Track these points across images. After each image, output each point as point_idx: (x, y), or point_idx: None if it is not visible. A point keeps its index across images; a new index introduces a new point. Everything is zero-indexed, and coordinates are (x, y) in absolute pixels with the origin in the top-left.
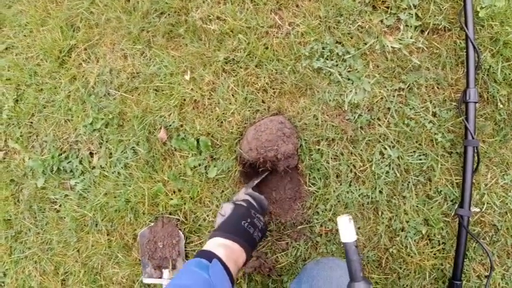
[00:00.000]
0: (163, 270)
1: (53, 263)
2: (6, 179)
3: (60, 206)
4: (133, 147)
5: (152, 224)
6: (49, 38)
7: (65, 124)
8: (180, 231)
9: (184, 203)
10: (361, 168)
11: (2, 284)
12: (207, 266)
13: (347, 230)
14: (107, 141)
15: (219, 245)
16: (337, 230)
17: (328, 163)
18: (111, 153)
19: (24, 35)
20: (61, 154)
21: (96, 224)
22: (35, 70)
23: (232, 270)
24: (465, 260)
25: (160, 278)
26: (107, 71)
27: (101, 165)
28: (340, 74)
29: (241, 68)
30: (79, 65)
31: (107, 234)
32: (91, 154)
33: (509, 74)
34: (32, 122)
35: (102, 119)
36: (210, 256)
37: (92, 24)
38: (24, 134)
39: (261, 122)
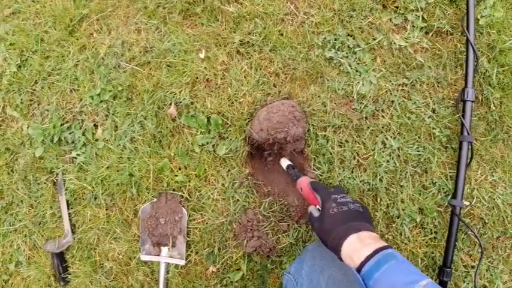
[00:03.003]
0: (162, 247)
1: (44, 237)
2: (2, 147)
3: (57, 177)
4: (141, 121)
5: (155, 199)
6: (60, 5)
7: (70, 94)
8: (183, 208)
9: (190, 180)
10: (364, 156)
11: None
12: None
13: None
14: (113, 114)
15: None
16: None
17: (333, 149)
18: (116, 126)
19: (33, 1)
20: (63, 124)
21: (96, 198)
22: (42, 37)
23: None
24: (455, 249)
25: (159, 255)
26: (118, 43)
27: (105, 138)
28: (349, 65)
29: (255, 51)
30: (90, 35)
31: (106, 209)
32: (95, 126)
33: (503, 78)
34: (34, 90)
35: (111, 90)
36: None
37: None
38: (25, 102)
39: (273, 104)
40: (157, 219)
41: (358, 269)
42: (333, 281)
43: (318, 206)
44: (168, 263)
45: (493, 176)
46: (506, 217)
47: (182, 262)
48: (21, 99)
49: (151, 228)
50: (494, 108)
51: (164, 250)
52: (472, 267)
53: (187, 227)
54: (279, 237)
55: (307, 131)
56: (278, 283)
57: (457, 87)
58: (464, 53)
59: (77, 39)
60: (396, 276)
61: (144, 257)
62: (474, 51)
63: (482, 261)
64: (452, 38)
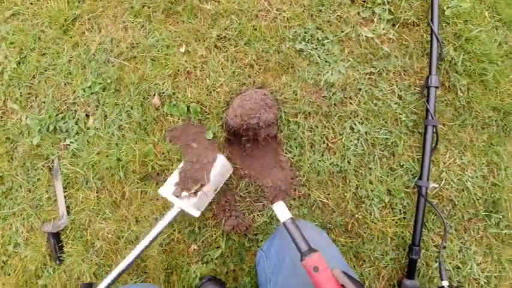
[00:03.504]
0: (183, 191)
1: (41, 219)
2: (2, 136)
3: (53, 163)
4: (127, 110)
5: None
6: (55, 6)
7: (64, 87)
8: (223, 157)
9: (172, 164)
10: (332, 140)
11: None
12: None
13: (282, 211)
14: (103, 104)
15: None
16: (309, 194)
17: (304, 134)
18: (106, 116)
19: (31, 3)
20: (58, 114)
21: (87, 182)
22: (39, 36)
23: None
24: (424, 230)
25: (178, 197)
26: (108, 40)
27: (95, 127)
28: (319, 56)
29: (231, 45)
30: (82, 33)
31: (96, 192)
32: (87, 116)
33: (469, 66)
34: (32, 84)
35: (101, 83)
36: None
37: None
38: (24, 95)
39: (247, 92)
40: (193, 163)
41: None
42: (298, 257)
43: None
44: (182, 210)
45: (461, 159)
46: (478, 199)
47: (197, 214)
48: (21, 93)
49: (186, 167)
50: (461, 94)
51: (184, 195)
52: (444, 247)
53: (226, 183)
54: (254, 216)
55: (280, 117)
56: (255, 260)
57: (422, 75)
58: (430, 42)
59: (71, 37)
60: None
61: (162, 192)
62: (438, 39)
63: (454, 242)
64: (419, 28)
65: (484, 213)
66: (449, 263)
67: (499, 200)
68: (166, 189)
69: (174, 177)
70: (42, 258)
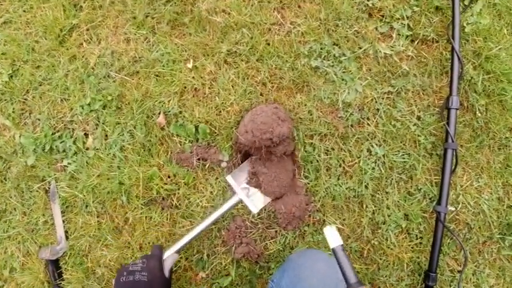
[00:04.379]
0: (249, 185)
1: (37, 243)
2: None
3: (49, 185)
4: (130, 130)
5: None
6: (50, 15)
7: (60, 103)
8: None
9: (179, 188)
10: (349, 164)
11: None
12: None
13: (333, 236)
14: (103, 123)
15: None
16: (324, 220)
17: (320, 156)
18: (106, 135)
19: (24, 11)
20: (54, 133)
21: (87, 206)
22: (33, 47)
23: None
24: (440, 254)
25: (247, 189)
26: (108, 53)
27: (95, 147)
28: (335, 74)
29: (242, 60)
30: (80, 45)
31: (97, 216)
32: (86, 135)
33: (489, 86)
34: (26, 99)
35: (101, 100)
36: None
37: (96, 5)
38: (17, 111)
39: (257, 107)
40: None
41: None
42: None
43: None
44: (241, 202)
45: (478, 181)
46: (492, 222)
47: (255, 210)
48: (13, 109)
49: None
50: (479, 114)
51: (249, 187)
52: (458, 271)
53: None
54: (266, 244)
55: (296, 136)
56: None
57: (442, 95)
58: (450, 61)
59: (67, 49)
60: None
61: (229, 179)
62: (459, 58)
63: (468, 265)
64: (438, 45)
65: (499, 236)
66: (463, 287)
67: None
68: (233, 177)
69: (244, 168)
70: (41, 285)
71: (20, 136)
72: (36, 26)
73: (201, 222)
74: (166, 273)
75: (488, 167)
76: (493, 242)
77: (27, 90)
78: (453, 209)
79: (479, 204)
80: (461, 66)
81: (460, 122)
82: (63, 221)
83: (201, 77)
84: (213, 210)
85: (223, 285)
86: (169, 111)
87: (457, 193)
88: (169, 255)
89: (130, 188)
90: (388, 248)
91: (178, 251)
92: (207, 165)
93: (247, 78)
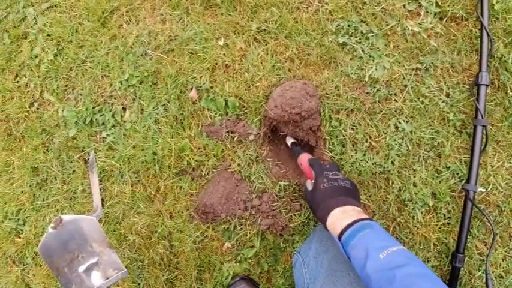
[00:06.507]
0: None
1: (75, 211)
2: (39, 128)
3: (88, 155)
4: (164, 104)
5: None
6: None
7: (101, 79)
8: None
9: (208, 160)
10: (376, 139)
11: (20, 232)
12: None
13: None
14: (140, 98)
15: None
16: None
17: (346, 131)
18: (142, 109)
19: None
20: (95, 107)
21: (122, 175)
22: (77, 28)
23: None
24: (468, 236)
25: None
26: (145, 33)
27: (132, 120)
28: (362, 51)
29: (271, 38)
30: (120, 26)
31: (131, 185)
32: (124, 109)
33: None
34: (69, 76)
35: (138, 76)
36: None
37: None
38: (61, 87)
39: (286, 82)
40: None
41: (339, 237)
42: (336, 260)
43: (312, 181)
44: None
45: (510, 162)
46: None
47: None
48: (57, 85)
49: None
50: (511, 93)
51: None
52: (487, 255)
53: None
54: (291, 216)
55: (322, 112)
56: (290, 261)
57: (472, 72)
58: (479, 38)
59: (108, 30)
60: (369, 242)
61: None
62: (488, 35)
63: (498, 249)
64: (467, 23)
65: None
66: (492, 272)
67: None
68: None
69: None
70: None
71: (63, 110)
72: (80, 9)
73: None
74: None
75: None
76: None
77: (71, 68)
78: (483, 190)
79: (511, 186)
80: (490, 42)
81: (491, 101)
82: (100, 190)
83: (232, 54)
84: None
85: (247, 257)
86: (201, 87)
87: (488, 174)
88: None
89: (163, 158)
90: (415, 226)
91: None
92: (235, 138)
93: (276, 55)
